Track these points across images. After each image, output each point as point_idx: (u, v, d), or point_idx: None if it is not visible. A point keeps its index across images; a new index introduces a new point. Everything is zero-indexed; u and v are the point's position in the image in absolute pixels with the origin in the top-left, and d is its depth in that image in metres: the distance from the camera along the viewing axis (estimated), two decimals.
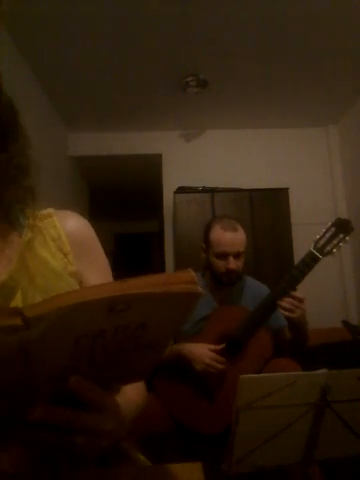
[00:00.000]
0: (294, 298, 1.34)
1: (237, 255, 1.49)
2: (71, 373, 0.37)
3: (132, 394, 0.57)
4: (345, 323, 2.47)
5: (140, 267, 5.01)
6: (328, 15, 2.16)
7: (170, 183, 3.51)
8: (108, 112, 3.26)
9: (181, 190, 3.29)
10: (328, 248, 1.37)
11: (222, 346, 1.40)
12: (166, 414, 1.41)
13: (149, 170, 3.98)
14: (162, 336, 0.41)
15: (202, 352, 1.38)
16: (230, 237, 1.48)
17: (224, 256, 1.48)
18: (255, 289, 1.60)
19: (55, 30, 2.21)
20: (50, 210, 0.65)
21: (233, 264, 1.48)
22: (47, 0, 1.99)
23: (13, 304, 0.52)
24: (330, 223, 1.40)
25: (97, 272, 0.64)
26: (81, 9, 2.06)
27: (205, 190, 3.28)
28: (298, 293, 1.35)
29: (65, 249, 0.61)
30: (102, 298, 0.32)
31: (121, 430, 0.47)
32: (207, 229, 1.57)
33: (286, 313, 1.34)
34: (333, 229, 1.38)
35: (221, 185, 3.32)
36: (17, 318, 0.31)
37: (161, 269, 4.17)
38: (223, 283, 1.52)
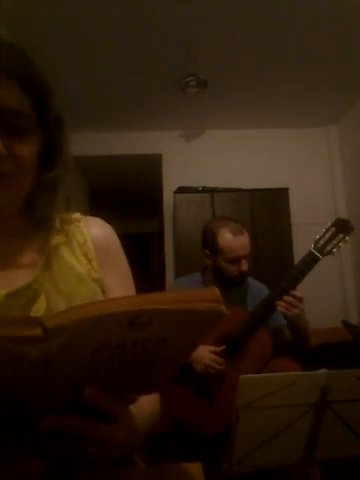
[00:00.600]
0: (293, 297, 1.34)
1: (246, 257, 1.52)
2: (88, 383, 0.37)
3: (146, 404, 0.57)
4: (345, 323, 2.47)
5: (140, 267, 5.01)
6: (328, 15, 2.16)
7: (170, 183, 3.51)
8: (108, 112, 3.26)
9: (181, 190, 3.29)
10: (328, 248, 1.37)
11: (222, 348, 1.40)
12: (166, 414, 1.41)
13: (149, 170, 3.98)
14: (182, 351, 0.41)
15: (202, 353, 1.38)
16: (240, 241, 1.51)
17: (237, 260, 1.50)
18: (257, 290, 1.61)
19: (55, 30, 2.21)
20: (77, 215, 0.66)
21: (246, 266, 1.51)
22: (47, 0, 1.99)
23: (36, 307, 0.53)
24: (330, 223, 1.41)
25: (119, 281, 0.65)
26: (81, 9, 2.06)
27: (205, 190, 3.27)
28: (297, 291, 1.35)
29: (90, 255, 0.62)
30: (124, 311, 0.32)
31: (134, 441, 0.47)
32: (212, 235, 1.55)
33: (284, 310, 1.34)
34: (333, 229, 1.39)
35: (221, 185, 3.32)
36: (37, 328, 0.30)
37: (161, 269, 4.17)
38: (235, 284, 1.55)
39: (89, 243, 0.63)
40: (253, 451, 0.90)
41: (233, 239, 1.50)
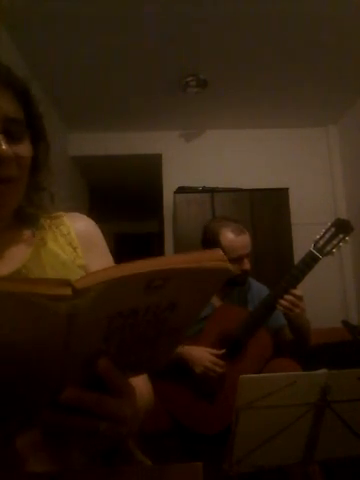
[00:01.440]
0: (293, 295, 1.34)
1: (248, 255, 1.52)
2: (100, 356, 0.39)
3: (142, 388, 0.59)
4: (345, 323, 2.47)
5: None
6: (328, 15, 2.16)
7: (170, 183, 3.51)
8: (108, 112, 3.26)
9: (181, 190, 3.29)
10: (328, 248, 1.37)
11: (222, 351, 1.40)
12: (166, 414, 1.41)
13: (149, 170, 3.98)
14: (186, 319, 0.43)
15: (202, 355, 1.38)
16: (241, 240, 1.51)
17: (239, 259, 1.50)
18: (258, 290, 1.61)
19: (55, 30, 2.21)
20: (60, 212, 0.71)
21: (248, 265, 1.52)
22: (48, 0, 1.99)
23: None
24: (330, 223, 1.41)
25: (103, 264, 0.67)
26: (81, 9, 2.06)
27: (205, 190, 3.27)
28: (297, 291, 1.36)
29: (74, 244, 0.66)
30: (144, 272, 0.33)
31: (136, 421, 0.48)
32: (214, 235, 1.54)
33: (284, 310, 1.35)
34: (333, 229, 1.39)
35: (221, 185, 3.32)
36: (67, 288, 0.32)
37: None
38: (237, 284, 1.55)
39: (72, 233, 0.67)
40: (253, 451, 0.90)
41: (235, 238, 1.50)
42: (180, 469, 0.46)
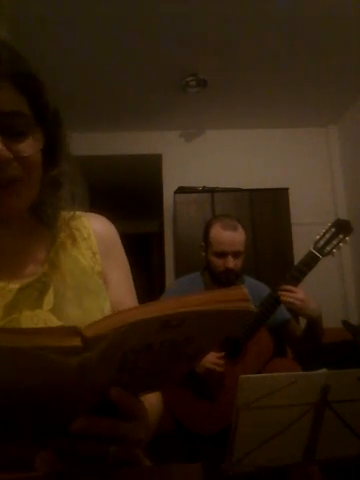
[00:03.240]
0: (286, 290, 1.35)
1: (236, 254, 1.49)
2: (112, 384, 0.38)
3: (152, 399, 0.58)
4: (345, 323, 2.47)
5: (140, 267, 5.01)
6: (328, 15, 2.16)
7: (170, 183, 3.51)
8: (108, 112, 3.26)
9: (181, 190, 3.28)
10: (328, 248, 1.38)
11: (222, 354, 1.40)
12: (166, 414, 1.41)
13: (149, 170, 3.98)
14: (204, 348, 0.42)
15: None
16: (229, 236, 1.49)
17: (223, 255, 1.49)
18: (257, 289, 1.60)
19: (55, 30, 2.21)
20: (79, 212, 0.67)
21: (231, 263, 1.48)
22: (47, 0, 1.99)
23: (47, 299, 0.55)
24: (330, 224, 1.41)
25: (121, 275, 0.68)
26: (81, 9, 2.06)
27: (205, 190, 3.27)
28: (287, 286, 1.36)
29: (94, 248, 0.64)
30: (160, 316, 0.32)
31: (148, 437, 0.47)
32: (207, 228, 1.58)
33: (287, 304, 1.35)
34: (333, 230, 1.39)
35: (221, 185, 3.32)
36: (77, 339, 0.30)
37: (161, 269, 4.17)
38: (221, 282, 1.52)
39: (92, 237, 0.65)
40: (253, 451, 0.90)
41: (222, 233, 1.50)
42: (180, 469, 0.46)
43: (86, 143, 3.58)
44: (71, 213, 0.65)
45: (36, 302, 0.54)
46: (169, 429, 1.41)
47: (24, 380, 0.33)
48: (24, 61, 0.54)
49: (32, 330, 0.33)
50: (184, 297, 0.35)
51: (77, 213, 0.66)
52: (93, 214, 0.70)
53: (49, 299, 0.55)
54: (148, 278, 5.86)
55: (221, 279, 1.51)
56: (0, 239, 0.57)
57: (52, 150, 0.57)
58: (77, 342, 0.30)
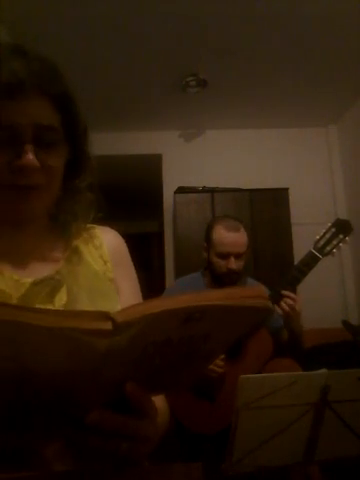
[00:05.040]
0: (289, 297, 1.35)
1: (238, 256, 1.49)
2: (127, 379, 0.38)
3: (159, 403, 0.58)
4: (345, 323, 2.47)
5: (140, 267, 5.00)
6: (328, 15, 2.16)
7: (170, 183, 3.51)
8: (108, 112, 3.26)
9: (181, 190, 3.29)
10: (328, 248, 1.37)
11: (222, 356, 1.40)
12: None
13: (149, 170, 3.98)
14: (219, 348, 0.42)
15: None
16: (232, 237, 1.49)
17: (226, 256, 1.49)
18: None
19: (55, 30, 2.21)
20: (92, 225, 0.71)
21: (234, 264, 1.48)
22: (47, 0, 1.99)
23: (59, 296, 0.57)
24: (330, 224, 1.41)
25: (130, 284, 0.70)
26: (81, 9, 2.06)
27: (205, 190, 3.27)
28: (291, 293, 1.36)
29: (105, 257, 0.67)
30: (187, 306, 0.33)
31: (156, 438, 0.48)
32: (209, 229, 1.58)
33: (282, 313, 1.35)
34: (333, 230, 1.39)
35: (221, 185, 3.32)
36: (108, 322, 0.31)
37: (161, 269, 4.17)
38: (224, 283, 1.52)
39: (104, 247, 0.68)
40: (253, 451, 0.90)
41: (225, 234, 1.50)
42: (180, 469, 0.46)
43: None
44: (82, 224, 0.68)
45: (48, 297, 0.56)
46: (169, 429, 1.41)
47: (48, 364, 0.33)
48: (62, 78, 0.59)
49: (65, 312, 0.33)
50: (205, 292, 0.35)
51: (90, 225, 0.70)
52: (106, 227, 0.74)
53: (62, 296, 0.57)
54: (148, 278, 5.85)
55: (223, 280, 1.51)
56: (18, 239, 0.61)
57: (78, 162, 0.63)
58: (108, 325, 0.31)
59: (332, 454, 0.98)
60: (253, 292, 0.37)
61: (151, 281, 5.79)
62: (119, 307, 0.61)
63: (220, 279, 1.52)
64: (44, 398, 0.37)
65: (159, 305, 0.32)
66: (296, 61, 2.60)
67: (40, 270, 0.59)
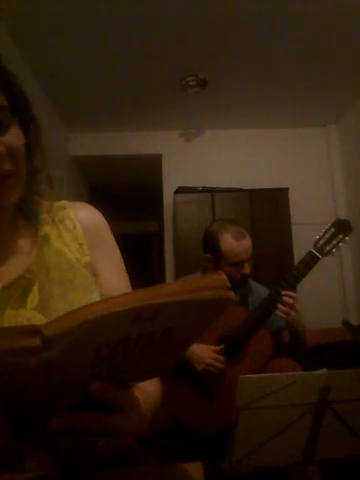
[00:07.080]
0: (289, 296, 1.35)
1: (249, 259, 1.52)
2: (92, 379, 0.36)
3: (149, 387, 0.57)
4: (345, 323, 2.47)
5: (140, 267, 5.01)
6: (328, 15, 2.16)
7: (170, 183, 3.51)
8: (108, 112, 3.26)
9: (181, 190, 3.28)
10: (328, 248, 1.38)
11: (221, 347, 1.41)
12: (166, 414, 1.41)
13: (149, 170, 3.98)
14: (187, 338, 0.40)
15: (203, 353, 1.39)
16: (243, 245, 1.50)
17: (240, 264, 1.49)
18: (258, 291, 1.61)
19: (55, 30, 2.21)
20: (65, 202, 0.66)
21: (248, 269, 1.51)
22: (47, 0, 1.99)
23: (31, 296, 0.54)
24: (330, 224, 1.41)
25: (110, 263, 0.65)
26: (81, 9, 2.06)
27: (205, 190, 3.27)
28: (291, 292, 1.36)
29: (80, 239, 0.62)
30: (127, 309, 0.31)
31: (142, 426, 0.47)
32: (214, 239, 1.54)
33: (281, 314, 1.35)
34: (333, 230, 1.39)
35: (221, 185, 3.32)
36: (35, 338, 0.29)
37: (161, 269, 4.17)
38: (238, 285, 1.54)
39: (78, 228, 0.63)
40: (253, 451, 0.90)
41: (236, 244, 1.49)
42: (180, 469, 0.46)
43: (86, 143, 3.58)
44: (53, 204, 0.64)
45: (20, 301, 0.53)
46: (169, 429, 1.41)
47: None
48: (2, 64, 0.54)
49: None
50: (155, 287, 0.33)
51: (62, 203, 0.65)
52: (79, 203, 0.68)
53: (34, 296, 0.54)
54: (148, 278, 5.86)
55: (238, 283, 1.52)
56: None
57: (30, 141, 0.58)
58: (36, 342, 0.29)
59: (332, 454, 0.98)
60: (212, 282, 0.34)
61: (151, 281, 5.79)
62: (96, 295, 0.59)
63: (233, 284, 1.52)
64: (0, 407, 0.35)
65: (99, 309, 0.30)
66: (296, 61, 2.60)
67: (10, 270, 0.56)
